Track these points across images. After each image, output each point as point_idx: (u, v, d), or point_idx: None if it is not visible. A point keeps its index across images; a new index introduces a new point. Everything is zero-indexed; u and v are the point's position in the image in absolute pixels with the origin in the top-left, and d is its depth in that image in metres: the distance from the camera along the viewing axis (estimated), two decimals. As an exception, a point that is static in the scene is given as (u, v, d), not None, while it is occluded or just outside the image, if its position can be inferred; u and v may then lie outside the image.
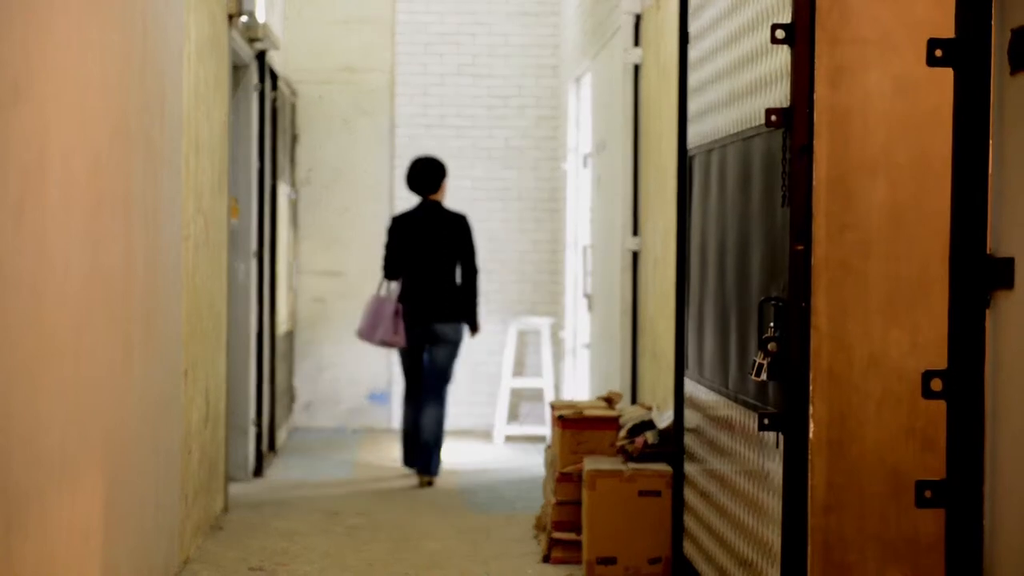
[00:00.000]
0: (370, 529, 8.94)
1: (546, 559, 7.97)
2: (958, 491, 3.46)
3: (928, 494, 3.54)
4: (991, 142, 3.41)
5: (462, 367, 13.39)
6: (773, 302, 5.05)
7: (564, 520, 7.94)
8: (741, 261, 5.61)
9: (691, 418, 6.58)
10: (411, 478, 10.98)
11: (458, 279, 10.86)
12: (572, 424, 8.08)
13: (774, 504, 5.07)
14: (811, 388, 4.90)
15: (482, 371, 14.00)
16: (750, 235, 5.47)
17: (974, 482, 3.43)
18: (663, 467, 7.37)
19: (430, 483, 10.75)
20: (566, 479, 7.96)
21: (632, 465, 7.44)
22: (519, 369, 13.72)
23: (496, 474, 11.35)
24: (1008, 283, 3.32)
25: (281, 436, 12.37)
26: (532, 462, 11.82)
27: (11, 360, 4.42)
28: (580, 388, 12.78)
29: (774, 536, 5.06)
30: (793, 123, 4.91)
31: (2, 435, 4.34)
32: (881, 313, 4.89)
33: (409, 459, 10.93)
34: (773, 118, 5.00)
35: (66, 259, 5.05)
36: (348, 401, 14.08)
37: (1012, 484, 3.30)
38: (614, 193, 10.55)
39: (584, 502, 7.45)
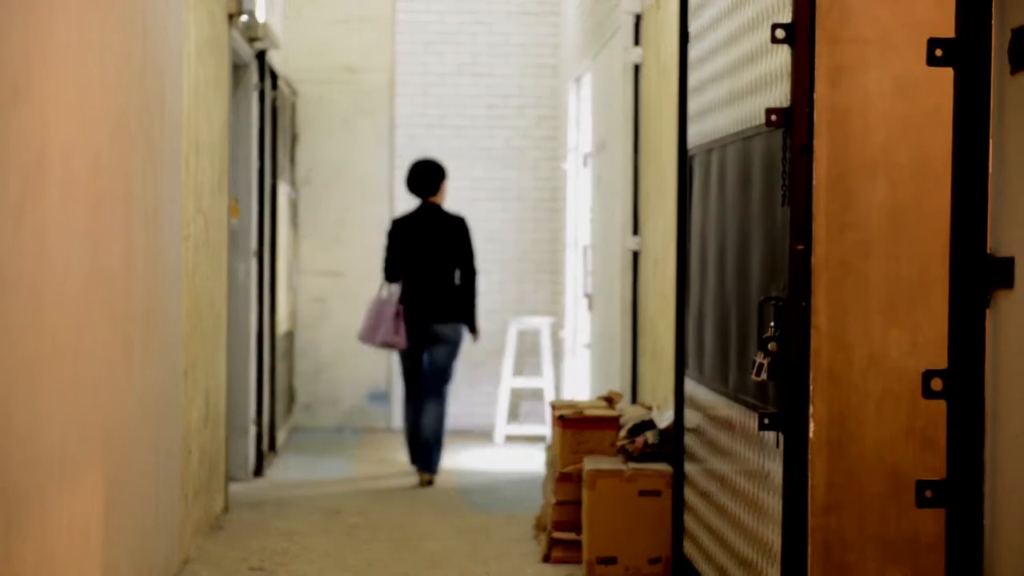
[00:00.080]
0: (370, 529, 8.94)
1: (546, 559, 7.97)
2: (958, 491, 3.46)
3: (928, 494, 3.54)
4: (991, 142, 3.41)
5: (462, 367, 13.38)
6: (773, 302, 5.05)
7: (564, 520, 7.94)
8: (741, 261, 5.61)
9: (691, 418, 6.58)
10: (411, 478, 10.98)
11: (457, 281, 10.89)
12: (572, 424, 8.08)
13: (774, 504, 5.07)
14: (811, 388, 4.90)
15: (482, 371, 14.00)
16: (750, 235, 5.46)
17: (974, 482, 3.43)
18: (663, 467, 7.37)
19: (430, 482, 10.76)
20: (566, 479, 7.96)
21: (632, 465, 7.44)
22: (519, 369, 13.72)
23: (496, 474, 11.36)
24: (1008, 283, 3.32)
25: (281, 436, 12.37)
26: (532, 462, 11.82)
27: (11, 360, 4.42)
28: (580, 388, 12.78)
29: (774, 536, 5.06)
30: (793, 123, 4.91)
31: (2, 435, 4.34)
32: (881, 313, 4.89)
33: (415, 457, 10.94)
34: (773, 118, 5.00)
35: (66, 259, 5.05)
36: (348, 401, 14.09)
37: (1012, 484, 3.30)
38: (614, 193, 10.55)
39: (584, 502, 7.45)
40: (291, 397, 13.51)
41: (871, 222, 4.88)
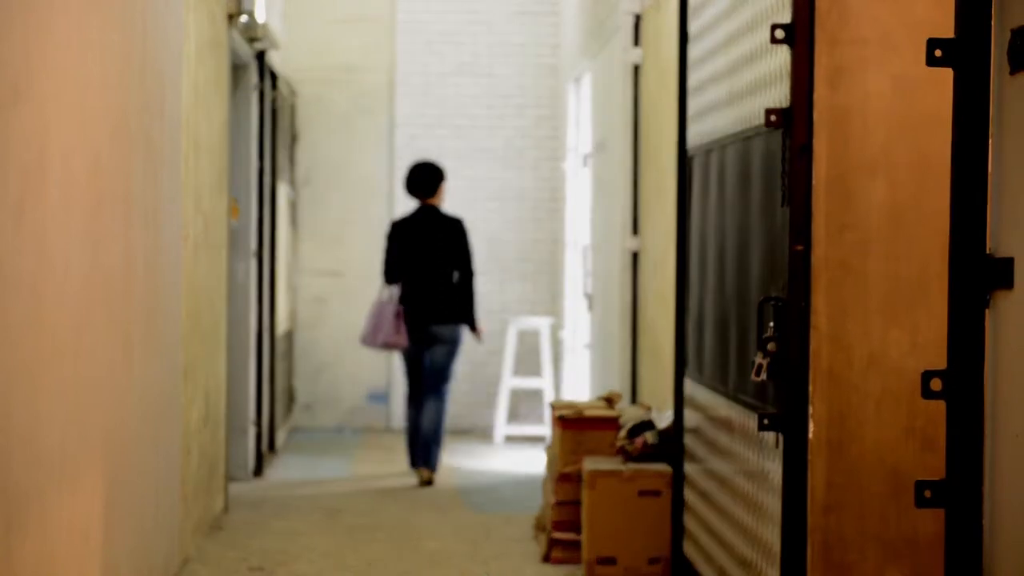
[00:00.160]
0: (370, 529, 8.94)
1: (546, 559, 7.97)
2: (958, 491, 3.46)
3: (928, 494, 3.54)
4: (991, 142, 3.41)
5: (462, 367, 13.39)
6: (773, 302, 5.05)
7: (564, 520, 7.94)
8: (741, 261, 5.61)
9: (691, 418, 6.58)
10: (411, 478, 10.98)
11: (455, 281, 10.93)
12: (572, 424, 8.08)
13: (774, 504, 5.07)
14: (811, 388, 4.90)
15: (482, 371, 14.00)
16: (750, 235, 5.47)
17: (974, 482, 3.43)
18: (663, 467, 7.37)
19: (430, 481, 10.76)
20: (566, 479, 7.97)
21: (632, 465, 7.44)
22: (519, 369, 13.72)
23: (496, 474, 11.36)
24: (1008, 283, 3.32)
25: (281, 436, 12.37)
26: (532, 462, 11.83)
27: (11, 360, 4.42)
28: (580, 388, 12.78)
29: (774, 536, 5.06)
30: (793, 123, 4.91)
31: (2, 435, 4.34)
32: (881, 313, 4.89)
33: (415, 460, 10.98)
34: (773, 118, 5.00)
35: (66, 259, 5.05)
36: (348, 401, 14.09)
37: (1012, 484, 3.30)
38: (614, 193, 10.55)
39: (584, 502, 7.45)
40: (291, 397, 13.51)
41: (871, 222, 4.88)
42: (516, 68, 14.17)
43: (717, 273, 6.03)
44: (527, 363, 13.80)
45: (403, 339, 10.73)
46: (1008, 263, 3.32)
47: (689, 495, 6.61)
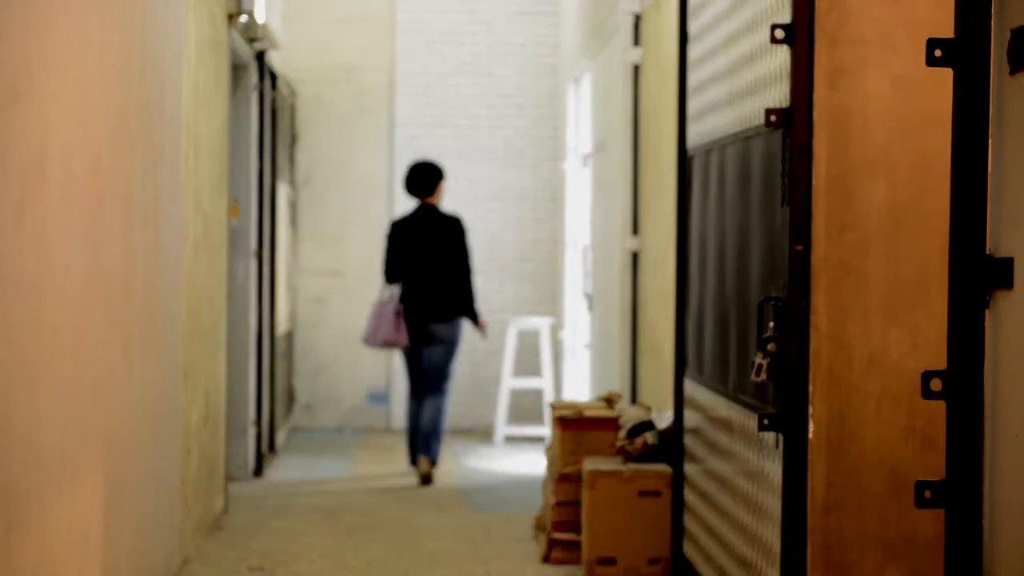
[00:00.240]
0: (370, 529, 8.94)
1: (546, 559, 7.97)
2: (957, 491, 3.46)
3: (928, 494, 3.54)
4: (990, 142, 3.41)
5: (462, 367, 13.39)
6: (772, 302, 5.05)
7: (564, 520, 7.94)
8: (741, 261, 5.61)
9: (691, 418, 6.58)
10: (411, 477, 10.99)
11: (455, 279, 10.99)
12: (572, 424, 8.08)
13: (774, 504, 5.07)
14: (810, 388, 4.90)
15: (482, 371, 14.00)
16: (750, 235, 5.47)
17: (973, 482, 3.43)
18: (663, 467, 7.37)
19: (430, 476, 10.79)
20: (566, 479, 7.96)
21: (632, 465, 7.44)
22: (519, 369, 13.72)
23: (496, 474, 11.36)
24: (1007, 283, 3.32)
25: (281, 436, 12.37)
26: (532, 463, 11.82)
27: (11, 360, 4.42)
28: (580, 388, 12.78)
29: (774, 536, 5.06)
30: (792, 123, 4.91)
31: (2, 435, 4.34)
32: (881, 313, 4.89)
33: (414, 458, 11.03)
34: (773, 118, 5.00)
35: (66, 259, 5.05)
36: (347, 401, 14.09)
37: (1012, 484, 3.30)
38: (614, 193, 10.55)
39: (584, 502, 7.45)
40: (291, 397, 13.51)
41: (870, 222, 4.88)
42: (516, 68, 14.17)
43: (717, 273, 6.03)
44: (527, 363, 13.79)
45: (403, 337, 10.82)
46: (1008, 263, 3.32)
47: (689, 495, 6.61)
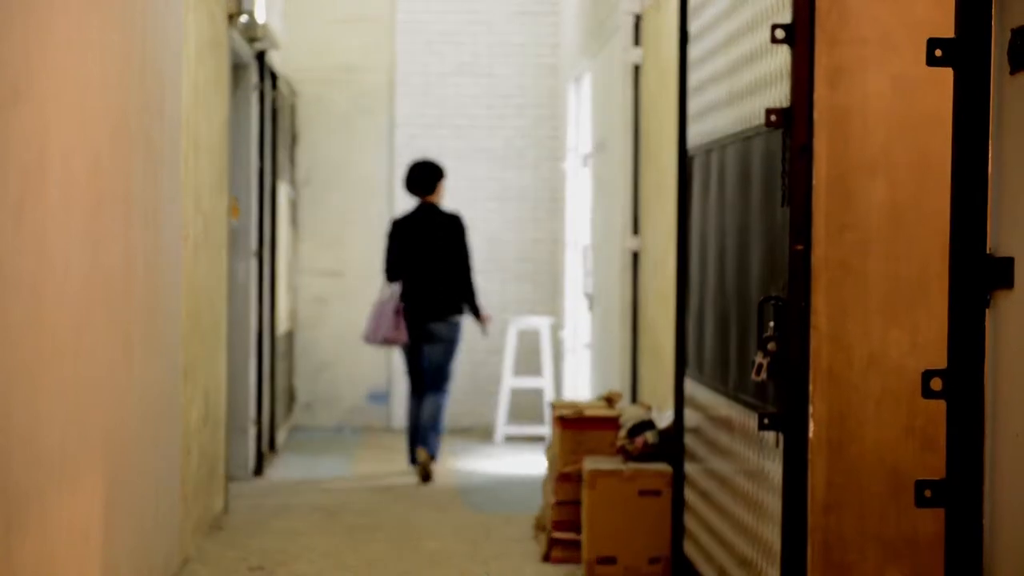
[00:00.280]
0: (370, 529, 8.94)
1: (546, 559, 7.97)
2: (958, 490, 3.46)
3: (928, 493, 3.54)
4: (991, 142, 3.41)
5: (462, 367, 13.39)
6: (773, 302, 5.05)
7: (564, 520, 7.94)
8: (741, 261, 5.61)
9: (691, 418, 6.58)
10: (411, 477, 10.99)
11: (454, 277, 11.03)
12: (572, 424, 8.08)
13: (774, 504, 5.07)
14: (811, 388, 4.90)
15: (482, 371, 14.00)
16: (750, 235, 5.47)
17: (974, 481, 3.43)
18: (663, 467, 7.37)
19: (428, 473, 10.81)
20: (566, 479, 7.96)
21: (632, 465, 7.44)
22: (519, 369, 13.72)
23: (496, 474, 11.36)
24: (1008, 283, 3.32)
25: (281, 436, 12.37)
26: (532, 462, 11.82)
27: (11, 360, 4.42)
28: (580, 388, 12.78)
29: (774, 536, 5.06)
30: (793, 123, 4.91)
31: (2, 435, 4.34)
32: (881, 313, 4.89)
33: (414, 456, 11.08)
34: (773, 118, 5.00)
35: (66, 259, 5.05)
36: (348, 400, 14.09)
37: (1012, 483, 3.30)
38: (614, 193, 10.55)
39: (584, 502, 7.45)
40: (291, 397, 13.51)
41: (871, 222, 4.88)
42: (516, 68, 14.17)
43: (717, 273, 6.03)
44: (527, 363, 13.79)
45: (402, 335, 10.92)
46: (1008, 263, 3.32)
47: (689, 495, 6.61)
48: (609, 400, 8.50)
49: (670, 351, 7.85)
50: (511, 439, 13.27)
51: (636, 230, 9.91)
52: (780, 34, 4.97)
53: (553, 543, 7.94)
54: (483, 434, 13.59)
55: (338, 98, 14.14)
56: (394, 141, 14.12)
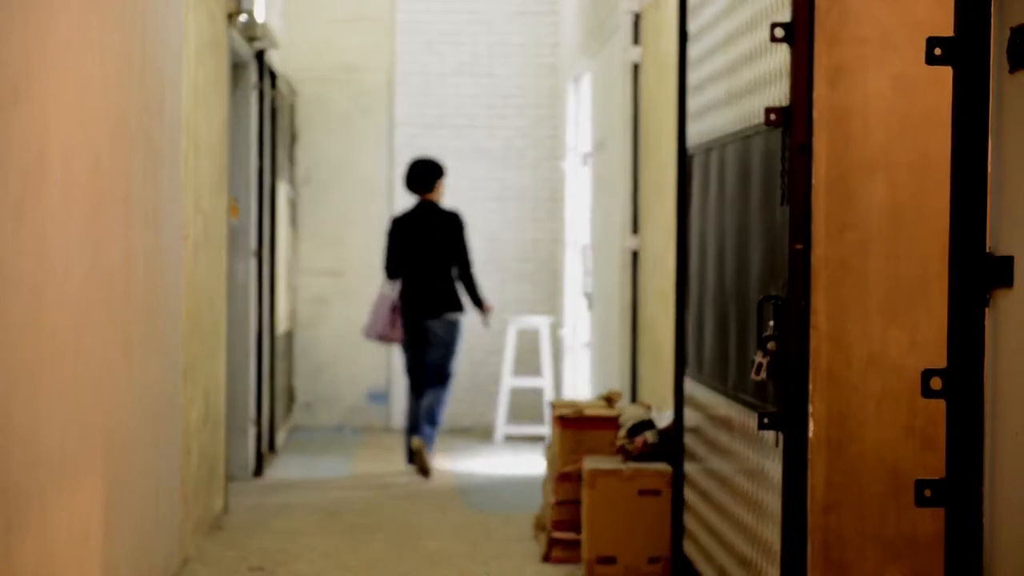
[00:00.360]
0: (370, 529, 8.94)
1: (546, 558, 7.97)
2: (957, 490, 3.46)
3: (927, 493, 3.54)
4: (990, 140, 3.41)
5: (462, 366, 13.38)
6: (772, 301, 5.05)
7: (564, 519, 7.94)
8: (740, 260, 5.61)
9: (691, 417, 6.58)
10: (411, 477, 11.00)
11: (454, 275, 11.16)
12: (572, 423, 8.08)
13: (774, 503, 5.07)
14: (810, 387, 4.90)
15: (482, 370, 14.00)
16: (749, 234, 5.47)
17: (973, 481, 3.43)
18: (663, 466, 7.37)
19: (427, 469, 10.86)
20: (566, 478, 7.96)
21: (632, 464, 7.44)
22: (519, 368, 13.72)
23: (496, 474, 11.36)
24: (1007, 282, 3.32)
25: (280, 436, 12.37)
26: (532, 462, 11.82)
27: (11, 360, 4.42)
28: (580, 387, 12.78)
29: (774, 535, 5.06)
30: (792, 122, 4.91)
31: (2, 435, 4.34)
32: (880, 312, 4.89)
33: (412, 457, 11.14)
34: (772, 117, 5.00)
35: (66, 259, 5.05)
36: (347, 400, 14.09)
37: (1011, 483, 3.30)
38: (614, 192, 10.55)
39: (584, 501, 7.45)
40: (291, 396, 13.51)
41: (871, 222, 4.88)
42: (516, 68, 14.17)
43: (717, 272, 6.03)
44: (527, 362, 13.79)
45: (397, 333, 11.08)
46: (1008, 261, 3.32)
47: (689, 494, 6.61)
48: (609, 400, 8.50)
49: (670, 350, 7.85)
50: (511, 439, 13.28)
51: (636, 229, 9.91)
52: (779, 33, 4.96)
53: (553, 543, 7.94)
54: (483, 434, 13.59)
55: (338, 98, 14.14)
56: (394, 141, 14.12)
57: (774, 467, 5.07)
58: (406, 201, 12.52)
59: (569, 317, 13.29)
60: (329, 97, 14.12)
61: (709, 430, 6.16)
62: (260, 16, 10.36)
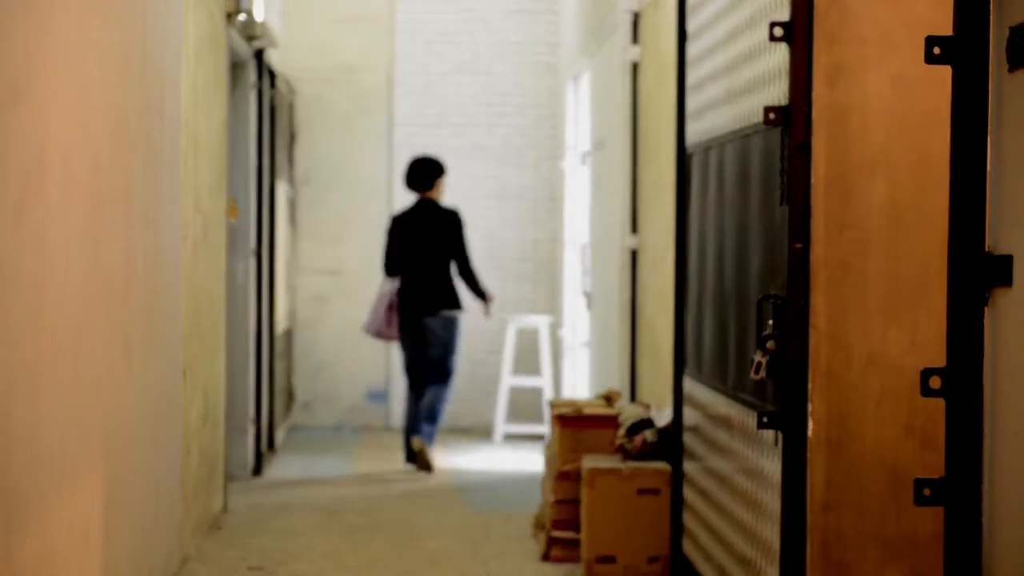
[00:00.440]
0: (370, 529, 8.94)
1: (545, 558, 7.97)
2: (957, 489, 3.47)
3: (927, 492, 3.54)
4: (989, 140, 3.41)
5: (462, 366, 13.37)
6: (772, 300, 5.06)
7: (563, 519, 7.94)
8: (740, 259, 5.61)
9: (690, 416, 6.58)
10: (411, 476, 11.00)
11: (452, 273, 11.26)
12: (571, 423, 8.08)
13: (773, 502, 5.07)
14: (810, 386, 4.90)
15: (481, 370, 14.00)
16: (749, 233, 5.47)
17: (973, 480, 3.43)
18: (662, 465, 7.37)
19: (428, 464, 10.89)
20: (565, 478, 7.97)
21: (631, 463, 7.44)
22: (518, 368, 13.72)
23: (495, 473, 11.36)
24: (1007, 281, 3.32)
25: (280, 435, 12.37)
26: (531, 461, 11.82)
27: (11, 360, 4.42)
28: (579, 386, 12.78)
29: (773, 535, 5.07)
30: (791, 121, 4.91)
31: (2, 435, 4.34)
32: (880, 312, 4.89)
33: (411, 456, 11.17)
34: (771, 116, 5.00)
35: (66, 259, 5.05)
36: (347, 399, 14.09)
37: (1011, 482, 3.31)
38: (613, 191, 10.55)
39: (583, 501, 7.45)
40: (290, 396, 13.51)
41: (870, 221, 4.88)
42: (515, 67, 14.17)
43: (716, 271, 6.03)
44: (526, 362, 13.79)
45: (393, 332, 11.14)
46: (1007, 260, 3.32)
47: (688, 493, 6.62)
48: (608, 399, 8.50)
49: (669, 350, 7.85)
50: (510, 438, 13.28)
51: (635, 228, 9.91)
52: (778, 32, 4.97)
53: (552, 542, 7.95)
54: (482, 433, 13.59)
55: (337, 97, 14.14)
56: (393, 140, 14.12)
57: (773, 466, 5.07)
58: (405, 200, 12.53)
59: (568, 316, 13.29)
60: (328, 97, 14.12)
61: (708, 429, 6.16)
62: (259, 15, 10.36)
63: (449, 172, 12.96)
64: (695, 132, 6.52)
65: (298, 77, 13.85)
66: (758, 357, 5.05)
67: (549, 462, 8.38)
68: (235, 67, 10.32)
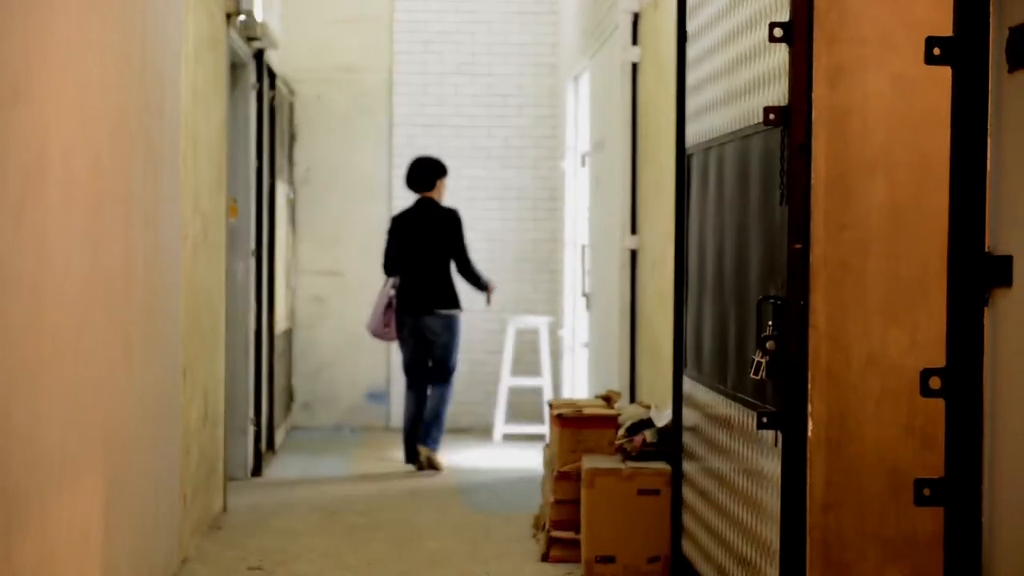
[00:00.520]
0: (369, 529, 8.94)
1: (545, 558, 7.97)
2: (957, 489, 3.47)
3: (927, 492, 3.54)
4: (989, 140, 3.41)
5: (461, 366, 13.38)
6: (771, 301, 5.06)
7: (563, 519, 7.94)
8: (739, 260, 5.61)
9: (690, 417, 6.58)
10: (410, 476, 11.00)
11: (452, 272, 11.33)
12: (571, 423, 8.08)
13: (773, 503, 5.07)
14: (810, 387, 4.90)
15: (481, 370, 14.00)
16: (749, 234, 5.47)
17: (973, 480, 3.43)
18: (662, 466, 7.37)
19: (432, 463, 10.92)
20: (565, 478, 7.97)
21: (631, 464, 7.44)
22: (518, 368, 13.72)
23: (495, 473, 11.36)
24: (1006, 281, 3.32)
25: (279, 435, 12.37)
26: (531, 461, 11.82)
27: (11, 360, 4.42)
28: (579, 387, 12.78)
29: (773, 535, 5.07)
30: (791, 121, 4.91)
31: (2, 435, 4.34)
32: (880, 312, 4.89)
33: (410, 456, 11.20)
34: (771, 116, 5.00)
35: (66, 259, 5.05)
36: (346, 400, 14.08)
37: (1011, 482, 3.31)
38: (612, 192, 10.55)
39: (583, 501, 7.45)
40: (290, 396, 13.51)
41: (870, 221, 4.89)
42: (515, 67, 14.17)
43: (716, 272, 6.04)
44: (526, 362, 13.79)
45: (391, 332, 11.16)
46: (1007, 261, 3.32)
47: (688, 494, 6.62)
48: (608, 399, 8.50)
49: (668, 350, 7.85)
50: (510, 438, 13.28)
51: (634, 229, 9.92)
52: (778, 32, 4.97)
53: (552, 542, 7.95)
54: (482, 433, 13.59)
55: (337, 98, 14.14)
56: (393, 141, 14.12)
57: (773, 466, 5.08)
58: (405, 201, 12.54)
59: (568, 317, 13.29)
60: (328, 97, 14.12)
61: (708, 429, 6.16)
62: (259, 16, 10.36)
63: (449, 173, 12.98)
64: (695, 133, 6.52)
65: (298, 77, 13.85)
66: (758, 357, 5.05)
67: (549, 462, 8.38)
68: (235, 67, 10.32)
